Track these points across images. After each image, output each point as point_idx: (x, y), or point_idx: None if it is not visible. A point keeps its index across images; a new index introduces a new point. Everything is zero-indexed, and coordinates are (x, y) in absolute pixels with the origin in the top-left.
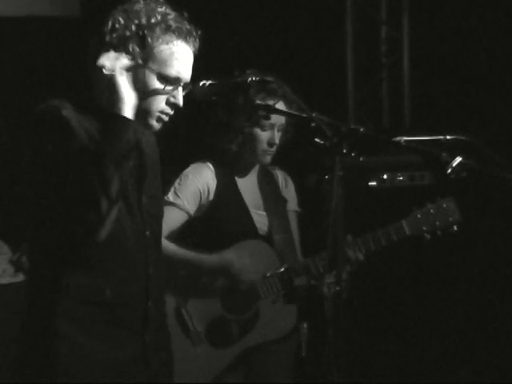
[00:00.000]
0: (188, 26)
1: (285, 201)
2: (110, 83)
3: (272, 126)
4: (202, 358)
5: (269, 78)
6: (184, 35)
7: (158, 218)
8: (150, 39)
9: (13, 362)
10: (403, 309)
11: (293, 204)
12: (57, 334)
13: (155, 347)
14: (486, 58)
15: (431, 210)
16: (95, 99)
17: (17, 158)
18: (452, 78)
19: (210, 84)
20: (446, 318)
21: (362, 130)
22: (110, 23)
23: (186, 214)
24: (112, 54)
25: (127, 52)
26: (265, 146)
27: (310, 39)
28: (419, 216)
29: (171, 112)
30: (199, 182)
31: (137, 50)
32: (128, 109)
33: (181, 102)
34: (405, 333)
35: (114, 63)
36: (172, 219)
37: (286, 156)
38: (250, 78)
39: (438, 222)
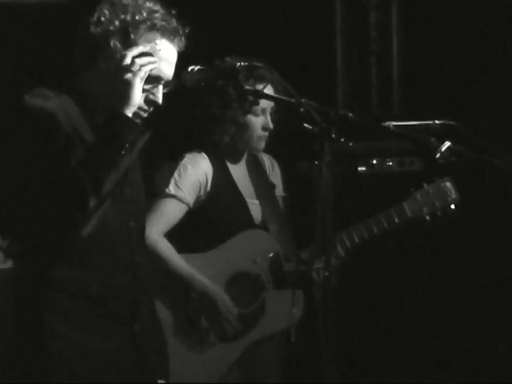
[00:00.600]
0: (174, 25)
1: (273, 186)
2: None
3: (264, 111)
4: (211, 352)
5: (257, 64)
6: (168, 34)
7: (141, 207)
8: (133, 36)
9: (2, 356)
10: (396, 298)
11: (279, 189)
12: (44, 327)
13: (146, 336)
14: (475, 44)
15: (430, 191)
16: (84, 90)
17: (2, 151)
18: (441, 64)
19: (198, 69)
20: (440, 307)
21: (350, 115)
22: (95, 15)
23: (187, 207)
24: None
25: (108, 47)
26: (260, 131)
27: (298, 25)
28: (419, 197)
29: (149, 109)
30: (198, 173)
31: (118, 46)
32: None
33: (160, 99)
34: (397, 322)
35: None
36: (173, 212)
37: (275, 143)
38: (238, 64)
39: (437, 202)
